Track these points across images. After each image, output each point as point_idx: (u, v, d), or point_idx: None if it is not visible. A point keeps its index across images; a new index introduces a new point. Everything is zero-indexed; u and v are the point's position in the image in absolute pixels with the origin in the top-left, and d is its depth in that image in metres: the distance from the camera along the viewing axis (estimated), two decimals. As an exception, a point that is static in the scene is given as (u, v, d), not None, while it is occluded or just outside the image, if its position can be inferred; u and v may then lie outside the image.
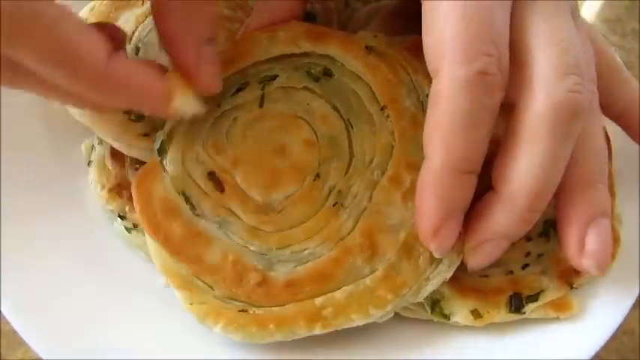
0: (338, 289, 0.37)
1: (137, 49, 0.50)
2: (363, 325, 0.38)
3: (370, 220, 0.38)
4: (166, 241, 0.38)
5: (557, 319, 0.39)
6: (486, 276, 0.39)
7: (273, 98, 0.42)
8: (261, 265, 0.38)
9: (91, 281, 0.42)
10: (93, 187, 0.46)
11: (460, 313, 0.38)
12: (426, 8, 0.35)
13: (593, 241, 0.36)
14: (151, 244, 0.39)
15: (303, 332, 0.37)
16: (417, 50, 0.44)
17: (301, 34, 0.43)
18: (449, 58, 0.33)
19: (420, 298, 0.38)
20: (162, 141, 0.42)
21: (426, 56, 0.35)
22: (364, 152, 0.40)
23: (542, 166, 0.34)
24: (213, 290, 0.38)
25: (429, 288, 0.38)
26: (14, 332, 0.44)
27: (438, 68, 0.34)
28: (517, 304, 0.38)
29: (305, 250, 0.38)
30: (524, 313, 0.38)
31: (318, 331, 0.37)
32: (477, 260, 0.37)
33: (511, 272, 0.40)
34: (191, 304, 0.38)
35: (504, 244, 0.36)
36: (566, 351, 0.38)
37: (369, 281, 0.37)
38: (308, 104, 0.41)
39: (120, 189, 0.45)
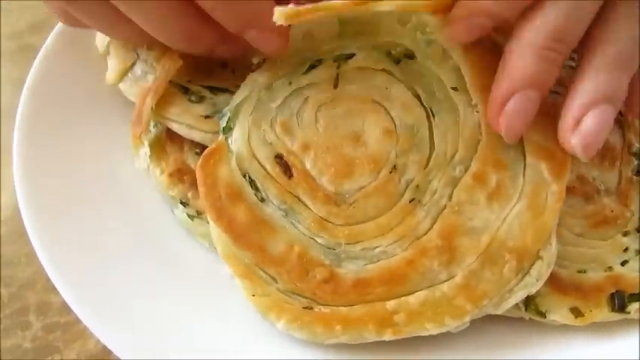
0: (411, 293, 0.35)
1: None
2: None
3: (450, 220, 0.36)
4: (230, 227, 0.37)
5: (661, 320, 0.36)
6: (584, 271, 0.37)
7: (349, 79, 0.40)
8: (329, 261, 0.36)
9: (151, 270, 0.41)
10: (146, 165, 0.44)
11: (559, 311, 0.36)
12: None
13: (589, 122, 0.34)
14: (214, 229, 0.38)
15: (371, 337, 0.35)
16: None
17: None
18: None
19: (500, 311, 0.36)
20: (229, 118, 0.40)
21: None
22: (446, 145, 0.38)
23: (567, 10, 0.34)
24: (276, 283, 0.37)
25: (512, 301, 0.36)
26: (70, 325, 0.44)
27: None
28: (620, 302, 0.36)
29: (377, 247, 0.36)
30: (629, 312, 0.36)
31: (387, 337, 0.35)
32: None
33: (610, 269, 0.38)
34: (253, 295, 0.37)
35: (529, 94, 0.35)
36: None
37: (447, 288, 0.35)
38: (386, 88, 0.39)
39: (181, 174, 0.43)
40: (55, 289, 0.38)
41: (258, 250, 0.36)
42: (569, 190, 0.39)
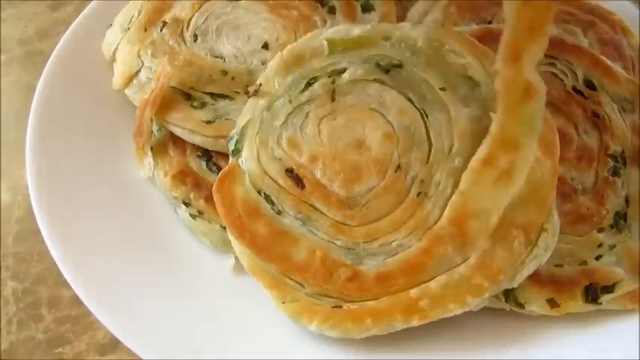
0: (432, 279, 0.37)
1: (195, 37, 0.50)
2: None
3: (458, 207, 0.37)
4: (252, 243, 0.38)
5: (634, 310, 0.38)
6: (561, 266, 0.39)
7: (345, 91, 0.42)
8: (350, 260, 0.38)
9: (157, 265, 0.43)
10: (151, 173, 0.46)
11: (536, 302, 0.38)
12: None
13: None
14: (237, 245, 0.40)
15: (400, 325, 0.37)
16: (481, 42, 0.44)
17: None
18: None
19: (516, 284, 0.37)
20: (237, 140, 0.42)
21: None
22: (442, 140, 0.39)
23: None
24: (304, 288, 0.38)
25: (525, 272, 0.37)
26: (80, 317, 0.46)
27: None
28: (593, 294, 0.38)
29: (393, 241, 0.38)
30: (601, 303, 0.38)
31: (415, 322, 0.37)
32: None
33: (585, 263, 0.40)
34: (283, 302, 0.38)
35: None
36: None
37: (464, 269, 0.37)
38: (381, 96, 0.41)
39: (183, 176, 0.45)
40: (66, 283, 0.40)
41: (283, 260, 0.38)
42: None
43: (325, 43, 0.43)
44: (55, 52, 0.51)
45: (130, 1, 0.53)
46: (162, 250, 0.44)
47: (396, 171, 0.39)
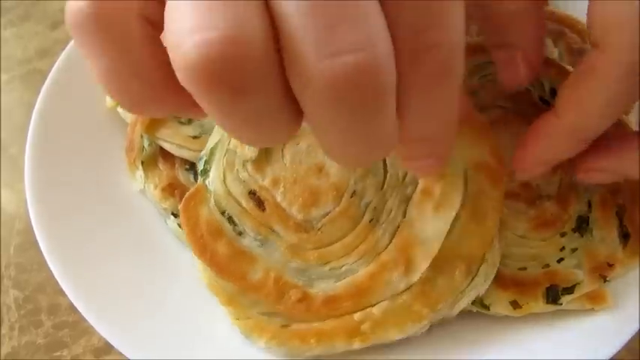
0: (376, 303, 0.38)
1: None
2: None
3: (405, 234, 0.39)
4: (212, 261, 0.40)
5: (592, 310, 0.40)
6: (524, 269, 0.41)
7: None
8: (302, 282, 0.39)
9: (147, 273, 0.45)
10: (143, 186, 0.49)
11: (500, 303, 0.40)
12: None
13: None
14: (199, 263, 0.41)
15: (342, 346, 0.38)
16: (473, 55, 0.46)
17: None
18: (619, 39, 0.32)
19: (454, 313, 0.39)
20: (205, 161, 0.44)
21: (589, 16, 0.34)
22: (397, 168, 0.41)
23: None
24: (256, 307, 0.40)
25: (464, 302, 0.39)
26: (77, 323, 0.48)
27: (605, 41, 0.33)
28: (554, 295, 0.40)
29: (343, 266, 0.39)
30: (561, 304, 0.40)
31: (356, 345, 0.38)
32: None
33: (547, 266, 0.41)
34: (237, 319, 0.40)
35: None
36: (599, 340, 0.40)
37: (406, 296, 0.38)
38: None
39: (172, 188, 0.48)
40: (63, 292, 0.42)
41: (239, 279, 0.39)
42: (514, 196, 0.43)
43: None
44: (52, 72, 0.53)
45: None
46: (152, 259, 0.46)
47: (351, 196, 0.41)
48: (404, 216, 0.40)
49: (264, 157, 0.42)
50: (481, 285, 0.39)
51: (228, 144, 0.43)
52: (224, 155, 0.43)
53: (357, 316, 0.38)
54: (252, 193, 0.41)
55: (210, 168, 0.43)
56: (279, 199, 0.41)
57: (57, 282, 0.43)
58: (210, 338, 0.42)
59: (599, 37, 0.33)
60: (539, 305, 0.40)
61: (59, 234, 0.45)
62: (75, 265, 0.44)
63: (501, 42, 0.39)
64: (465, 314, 0.41)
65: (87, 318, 0.41)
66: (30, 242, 0.52)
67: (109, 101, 0.52)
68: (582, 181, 0.40)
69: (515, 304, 0.40)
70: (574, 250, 0.42)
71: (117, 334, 0.41)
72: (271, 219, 0.40)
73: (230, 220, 0.41)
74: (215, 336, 0.42)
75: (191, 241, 0.40)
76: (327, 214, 0.40)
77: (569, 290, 0.40)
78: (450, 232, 0.39)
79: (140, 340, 0.41)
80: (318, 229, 0.40)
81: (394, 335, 0.38)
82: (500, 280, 0.40)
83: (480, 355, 0.40)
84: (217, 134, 0.44)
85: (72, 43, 0.56)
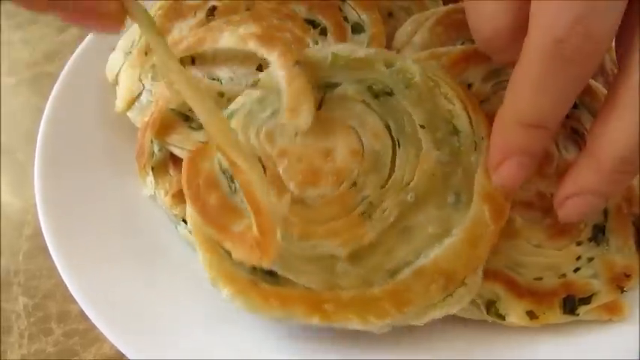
0: (346, 288, 0.38)
1: (192, 60, 0.52)
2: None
3: (392, 235, 0.39)
4: (202, 209, 0.41)
5: (610, 321, 0.40)
6: (540, 279, 0.41)
7: (331, 104, 0.44)
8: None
9: (157, 280, 0.45)
10: (153, 191, 0.49)
11: (516, 313, 0.40)
12: None
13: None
14: (189, 208, 0.42)
15: (301, 318, 0.38)
16: (465, 62, 0.46)
17: None
18: (544, 19, 0.33)
19: (421, 322, 0.39)
20: None
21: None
22: (404, 172, 0.41)
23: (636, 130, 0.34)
24: (230, 257, 0.40)
25: (431, 315, 0.39)
26: (88, 331, 0.48)
27: (532, 25, 0.34)
28: (570, 306, 0.40)
29: (323, 247, 0.39)
30: (578, 314, 0.40)
31: (315, 321, 0.38)
32: (565, 212, 0.38)
33: (564, 275, 0.41)
34: (210, 266, 0.40)
35: (594, 201, 0.37)
36: (616, 351, 0.40)
37: (377, 290, 0.38)
38: (362, 117, 0.43)
39: (182, 195, 0.46)
40: (74, 299, 0.42)
41: (222, 229, 0.40)
42: (529, 205, 0.42)
43: (330, 55, 0.45)
44: (61, 76, 0.53)
45: (132, 25, 0.56)
46: (164, 265, 0.46)
47: (351, 186, 0.41)
48: (396, 219, 0.39)
49: (278, 129, 0.43)
50: (452, 306, 0.39)
51: (250, 110, 0.44)
52: (242, 119, 0.43)
53: (324, 293, 0.38)
54: None
55: None
56: (281, 170, 0.42)
57: (67, 289, 0.43)
58: (224, 345, 0.42)
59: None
60: (556, 316, 0.40)
61: (69, 240, 0.45)
62: (85, 272, 0.44)
63: None
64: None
65: (98, 325, 0.41)
66: (39, 248, 0.52)
67: (118, 106, 0.52)
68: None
69: (531, 315, 0.40)
70: (590, 259, 0.42)
71: (129, 342, 0.41)
72: (268, 186, 0.40)
73: (228, 177, 0.42)
74: (228, 342, 0.42)
75: (187, 188, 0.42)
76: (322, 196, 0.41)
77: (586, 301, 0.40)
78: (442, 246, 0.39)
79: (152, 348, 0.41)
80: (310, 207, 0.41)
81: (354, 323, 0.38)
82: (516, 290, 0.40)
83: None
84: (241, 99, 0.45)
85: (81, 46, 0.56)
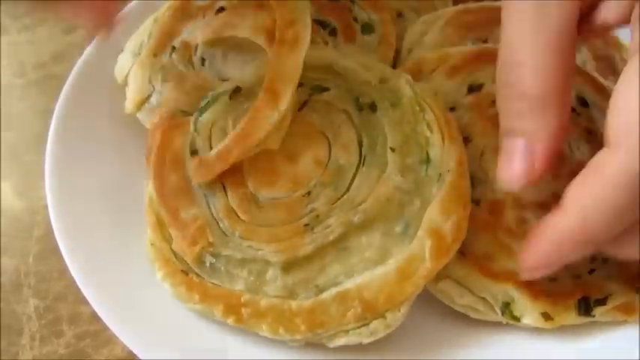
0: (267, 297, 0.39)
1: (202, 61, 0.52)
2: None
3: (327, 253, 0.39)
4: (160, 186, 0.42)
5: (625, 322, 0.40)
6: (555, 280, 0.41)
7: (314, 108, 0.44)
8: (218, 243, 0.40)
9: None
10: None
11: (531, 315, 0.39)
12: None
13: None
14: (148, 185, 0.43)
15: (218, 316, 0.39)
16: (476, 62, 0.46)
17: None
18: (631, 143, 0.31)
19: (332, 345, 0.39)
20: (208, 102, 0.44)
21: (610, 111, 0.33)
22: (358, 192, 0.40)
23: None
24: (171, 242, 0.41)
25: (342, 341, 0.39)
26: (99, 333, 0.48)
27: (617, 143, 0.32)
28: (586, 307, 0.40)
29: (259, 250, 0.39)
30: (594, 316, 0.40)
31: (230, 322, 0.39)
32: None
33: (578, 277, 0.41)
34: (152, 244, 0.42)
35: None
36: (616, 351, 0.39)
37: (295, 306, 0.38)
38: (339, 127, 0.43)
39: None
40: (85, 300, 0.42)
41: (173, 212, 0.41)
42: (544, 206, 0.42)
43: (329, 58, 0.45)
44: (70, 78, 0.53)
45: (140, 26, 0.55)
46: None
47: (304, 195, 0.41)
48: (337, 238, 0.39)
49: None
50: (365, 336, 0.38)
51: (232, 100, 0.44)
52: (224, 104, 0.44)
53: (245, 297, 0.39)
54: None
55: (207, 110, 0.44)
56: (245, 165, 0.42)
57: (78, 290, 0.42)
58: (237, 346, 0.41)
59: (612, 137, 0.32)
60: (572, 317, 0.39)
61: (81, 241, 0.45)
62: (97, 273, 0.44)
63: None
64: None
65: (110, 326, 0.41)
66: (49, 250, 0.52)
67: (127, 107, 0.52)
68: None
69: (546, 316, 0.39)
70: (605, 260, 0.41)
71: (141, 343, 0.41)
72: (227, 178, 0.42)
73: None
74: (241, 343, 0.41)
75: (153, 160, 0.43)
76: (275, 199, 0.41)
77: (602, 302, 0.40)
78: (372, 273, 0.38)
79: (164, 349, 0.41)
80: (259, 207, 0.41)
81: (264, 331, 0.39)
82: (531, 291, 0.40)
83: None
84: (229, 84, 0.45)
85: (89, 47, 0.55)
